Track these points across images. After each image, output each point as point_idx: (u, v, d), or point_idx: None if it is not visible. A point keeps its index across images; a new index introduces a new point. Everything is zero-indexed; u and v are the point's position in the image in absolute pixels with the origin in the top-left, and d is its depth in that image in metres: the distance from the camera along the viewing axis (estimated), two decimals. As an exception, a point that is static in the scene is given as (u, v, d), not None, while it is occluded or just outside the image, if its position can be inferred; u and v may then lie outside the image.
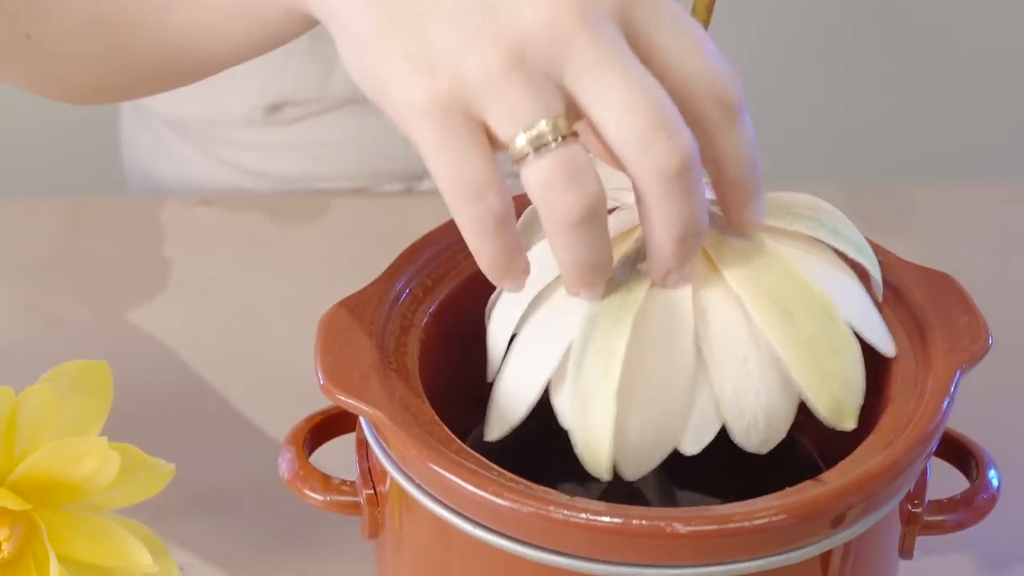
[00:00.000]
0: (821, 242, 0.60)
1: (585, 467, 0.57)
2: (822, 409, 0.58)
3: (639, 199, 0.54)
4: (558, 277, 0.58)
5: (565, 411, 0.58)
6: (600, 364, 0.56)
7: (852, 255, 0.61)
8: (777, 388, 0.58)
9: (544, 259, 0.58)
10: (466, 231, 0.55)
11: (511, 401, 0.59)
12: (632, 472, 0.58)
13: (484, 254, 0.55)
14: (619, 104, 0.53)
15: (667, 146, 0.52)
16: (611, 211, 0.60)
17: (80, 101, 0.73)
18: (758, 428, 0.58)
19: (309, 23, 0.61)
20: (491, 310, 0.62)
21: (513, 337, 0.60)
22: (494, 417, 0.60)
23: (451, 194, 0.54)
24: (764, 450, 0.59)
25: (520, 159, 0.53)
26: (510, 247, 0.55)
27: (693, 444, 0.58)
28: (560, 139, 0.53)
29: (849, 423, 0.58)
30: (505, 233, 0.55)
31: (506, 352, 0.60)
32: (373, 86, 0.56)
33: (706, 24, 0.60)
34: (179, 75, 0.69)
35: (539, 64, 0.53)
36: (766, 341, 0.57)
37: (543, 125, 0.53)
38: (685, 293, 0.57)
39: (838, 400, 0.58)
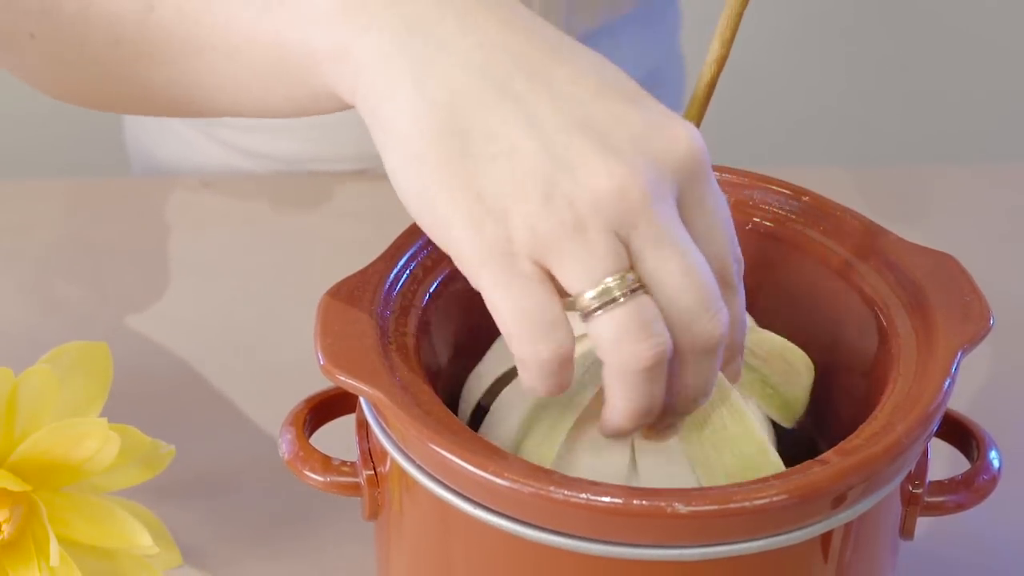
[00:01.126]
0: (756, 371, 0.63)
1: None
2: None
3: (677, 362, 0.56)
4: None
5: None
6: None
7: (764, 407, 0.63)
8: None
9: None
10: (528, 367, 0.55)
11: None
12: None
13: (541, 390, 0.56)
14: (675, 284, 0.54)
15: (709, 325, 0.55)
16: None
17: (71, 103, 0.71)
18: None
19: (348, 106, 0.59)
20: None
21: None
22: None
23: (517, 332, 0.55)
24: None
25: (588, 313, 0.54)
26: (565, 384, 0.56)
27: None
28: (629, 292, 0.54)
29: None
30: (568, 370, 0.56)
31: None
32: (432, 220, 0.55)
33: (733, 33, 0.62)
34: (187, 112, 0.66)
35: (607, 225, 0.54)
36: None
37: (610, 281, 0.54)
38: None
39: None
